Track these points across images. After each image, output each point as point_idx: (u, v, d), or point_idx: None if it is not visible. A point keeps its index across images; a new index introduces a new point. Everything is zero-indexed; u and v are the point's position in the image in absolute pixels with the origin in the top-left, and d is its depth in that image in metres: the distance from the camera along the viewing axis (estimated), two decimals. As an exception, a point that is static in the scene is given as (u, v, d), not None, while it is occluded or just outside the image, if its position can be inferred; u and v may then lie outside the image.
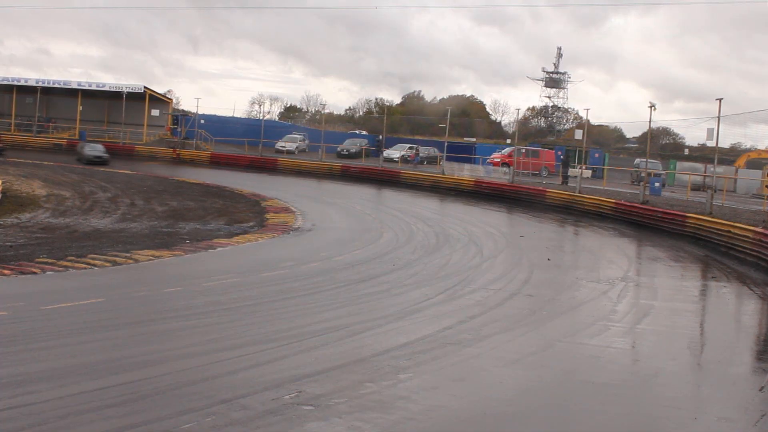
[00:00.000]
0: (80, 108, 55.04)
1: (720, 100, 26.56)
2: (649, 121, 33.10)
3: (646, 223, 27.77)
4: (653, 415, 8.36)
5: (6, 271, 14.05)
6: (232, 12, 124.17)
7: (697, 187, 39.55)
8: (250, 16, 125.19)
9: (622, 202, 30.53)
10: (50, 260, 15.43)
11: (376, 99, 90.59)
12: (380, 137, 53.00)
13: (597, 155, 51.79)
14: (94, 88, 56.88)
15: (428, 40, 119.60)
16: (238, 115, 70.19)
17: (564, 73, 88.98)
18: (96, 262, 15.65)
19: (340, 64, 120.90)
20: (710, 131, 27.91)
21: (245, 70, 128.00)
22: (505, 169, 42.96)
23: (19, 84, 56.99)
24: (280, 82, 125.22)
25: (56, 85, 56.28)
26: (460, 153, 50.59)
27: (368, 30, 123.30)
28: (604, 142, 76.21)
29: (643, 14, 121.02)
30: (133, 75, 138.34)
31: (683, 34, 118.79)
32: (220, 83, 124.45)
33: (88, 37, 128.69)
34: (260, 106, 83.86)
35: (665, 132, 76.84)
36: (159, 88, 60.39)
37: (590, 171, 44.43)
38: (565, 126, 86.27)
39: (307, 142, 57.43)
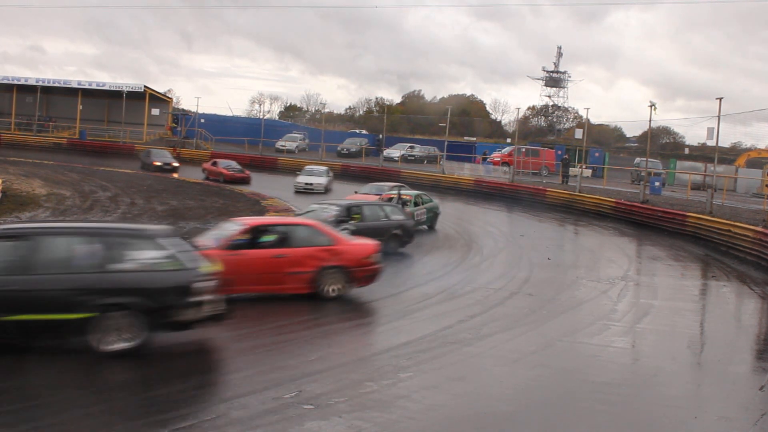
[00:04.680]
0: (80, 107, 55.02)
1: (720, 99, 26.52)
2: (649, 121, 33.09)
3: (646, 223, 27.77)
4: (653, 414, 8.36)
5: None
6: (226, 9, 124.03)
7: (697, 187, 39.51)
8: (246, 13, 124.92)
9: (622, 201, 30.53)
10: (50, 259, 15.37)
11: (376, 98, 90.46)
12: (380, 136, 52.99)
13: (597, 154, 51.71)
14: (94, 87, 56.89)
15: (426, 38, 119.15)
16: (234, 114, 69.76)
17: (564, 72, 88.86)
18: (96, 261, 15.59)
19: (338, 62, 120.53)
20: (710, 130, 27.87)
21: (242, 69, 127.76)
22: (505, 168, 42.95)
23: (19, 83, 57.01)
24: (277, 80, 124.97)
25: (56, 84, 56.29)
26: (460, 152, 50.58)
27: (365, 27, 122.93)
28: (604, 141, 76.13)
29: (644, 10, 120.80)
30: (128, 73, 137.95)
31: (685, 30, 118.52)
32: (217, 82, 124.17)
33: (82, 34, 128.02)
34: (260, 105, 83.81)
35: (665, 131, 76.77)
36: (155, 87, 60.35)
37: (590, 170, 44.38)
38: (565, 125, 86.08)
39: (307, 141, 57.44)
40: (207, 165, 39.93)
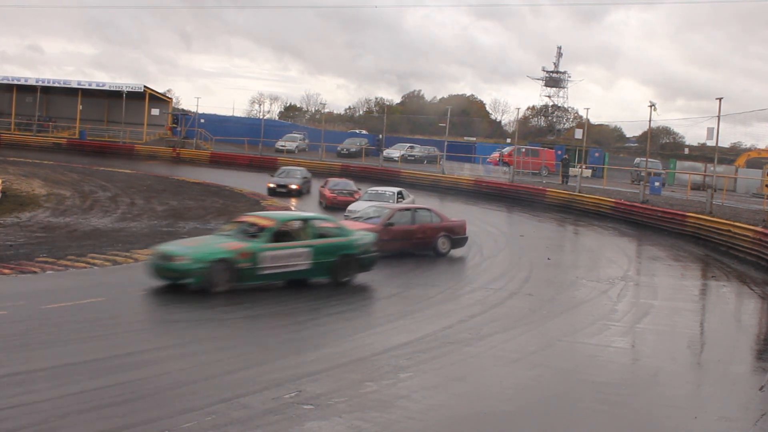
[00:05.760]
0: (80, 107, 54.99)
1: (720, 99, 26.53)
2: (649, 121, 33.09)
3: (646, 223, 27.76)
4: (653, 414, 8.36)
5: (6, 271, 14.05)
6: (226, 9, 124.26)
7: (697, 187, 39.51)
8: (245, 13, 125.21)
9: (622, 201, 30.52)
10: (50, 259, 15.43)
11: (376, 98, 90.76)
12: (380, 136, 52.99)
13: (597, 154, 51.71)
14: (93, 87, 56.86)
15: (426, 38, 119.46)
16: (233, 114, 69.78)
17: (564, 73, 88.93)
18: (96, 261, 15.65)
19: (337, 62, 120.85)
20: (710, 130, 27.87)
21: (241, 69, 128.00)
22: (505, 168, 42.94)
23: (19, 83, 56.98)
24: (276, 80, 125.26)
25: (56, 85, 56.27)
26: (460, 152, 50.57)
27: (364, 27, 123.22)
28: (604, 141, 76.20)
29: (644, 10, 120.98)
30: (127, 72, 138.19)
31: (685, 30, 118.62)
32: (217, 82, 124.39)
33: (81, 34, 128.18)
34: (260, 105, 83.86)
35: (665, 131, 76.83)
36: (155, 87, 60.32)
37: (590, 170, 44.40)
38: (565, 125, 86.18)
39: (307, 141, 57.40)
40: (322, 188, 30.17)
